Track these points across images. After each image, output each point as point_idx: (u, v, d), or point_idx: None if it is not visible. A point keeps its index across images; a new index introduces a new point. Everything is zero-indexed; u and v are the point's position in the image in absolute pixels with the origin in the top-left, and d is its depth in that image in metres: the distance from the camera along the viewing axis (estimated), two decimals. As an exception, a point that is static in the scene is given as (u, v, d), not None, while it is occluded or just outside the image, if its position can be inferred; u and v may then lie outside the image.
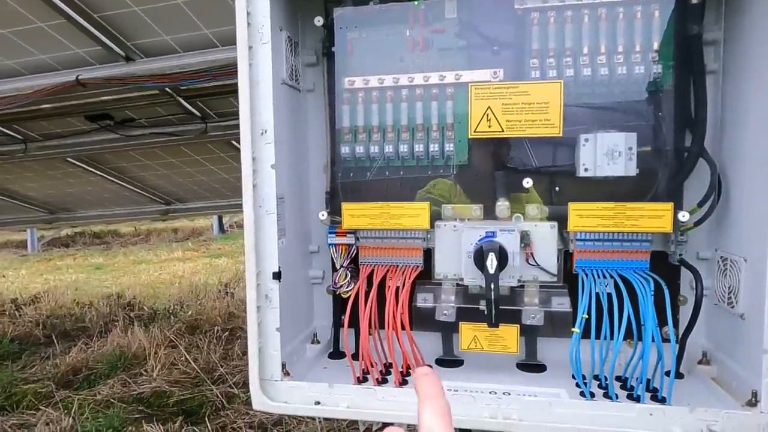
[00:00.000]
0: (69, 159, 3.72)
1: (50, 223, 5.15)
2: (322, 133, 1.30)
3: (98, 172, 4.00)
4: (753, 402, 0.89)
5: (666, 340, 1.06)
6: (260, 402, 0.98)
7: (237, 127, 3.02)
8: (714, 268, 1.12)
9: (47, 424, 2.66)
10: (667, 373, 1.02)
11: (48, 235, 13.48)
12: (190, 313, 4.72)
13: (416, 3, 1.16)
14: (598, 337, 1.02)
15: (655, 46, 1.07)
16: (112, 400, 3.10)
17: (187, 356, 3.46)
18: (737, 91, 1.05)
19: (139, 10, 2.17)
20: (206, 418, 2.71)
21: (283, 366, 1.06)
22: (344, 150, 1.21)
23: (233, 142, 3.35)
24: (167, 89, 2.76)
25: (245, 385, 3.19)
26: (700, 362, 1.13)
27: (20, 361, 3.92)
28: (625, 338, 1.02)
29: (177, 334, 4.03)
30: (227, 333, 3.95)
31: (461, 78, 1.14)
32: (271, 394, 1.00)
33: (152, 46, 2.40)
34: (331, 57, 1.21)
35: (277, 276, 0.98)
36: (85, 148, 3.33)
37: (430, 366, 1.20)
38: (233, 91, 2.83)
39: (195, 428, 2.54)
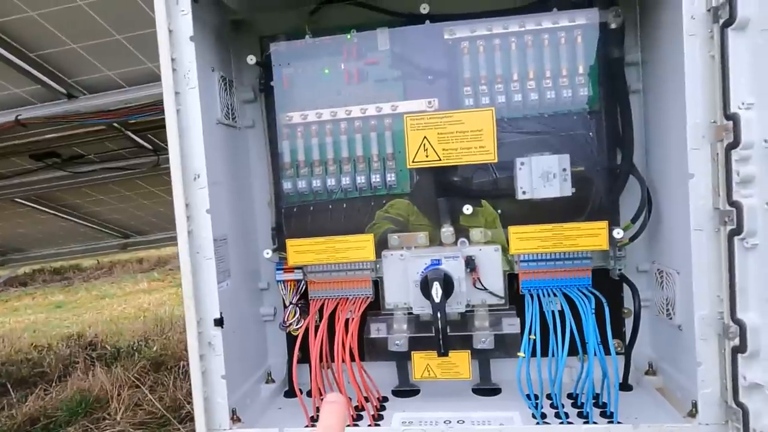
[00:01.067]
0: (16, 199, 3.58)
1: (2, 264, 4.92)
2: (265, 169, 1.29)
3: (49, 210, 3.86)
4: (693, 413, 0.92)
5: (609, 353, 1.08)
6: (209, 454, 0.95)
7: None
8: (652, 281, 1.15)
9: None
10: (619, 386, 1.05)
11: (3, 274, 12.91)
12: (155, 348, 4.57)
13: (348, 36, 1.17)
14: (545, 355, 1.03)
15: (581, 69, 1.11)
16: (73, 450, 2.96)
17: (151, 396, 3.34)
18: (658, 110, 1.10)
19: (78, 47, 2.12)
20: (173, 461, 2.61)
21: (234, 412, 1.03)
22: (287, 185, 1.20)
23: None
24: (115, 124, 2.69)
25: (214, 421, 3.10)
26: (647, 372, 1.16)
27: (-27, 415, 3.70)
28: (574, 354, 1.04)
29: (141, 372, 3.89)
30: (194, 367, 3.84)
31: (397, 109, 1.15)
32: (219, 445, 0.97)
33: (95, 82, 2.34)
34: (269, 93, 1.21)
35: (219, 323, 0.96)
36: (32, 187, 3.21)
37: (386, 398, 1.19)
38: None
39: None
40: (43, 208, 3.81)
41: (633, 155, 1.12)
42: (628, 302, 1.20)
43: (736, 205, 0.78)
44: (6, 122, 2.37)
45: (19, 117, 2.36)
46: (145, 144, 2.94)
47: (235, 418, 1.03)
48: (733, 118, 0.77)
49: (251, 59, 1.17)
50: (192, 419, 3.23)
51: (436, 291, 1.05)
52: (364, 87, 1.18)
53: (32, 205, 3.71)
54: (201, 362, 0.96)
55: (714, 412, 0.86)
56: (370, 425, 1.05)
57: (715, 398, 0.85)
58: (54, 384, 4.07)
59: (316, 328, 1.14)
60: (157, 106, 2.28)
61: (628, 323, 1.20)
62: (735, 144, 0.77)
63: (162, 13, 0.90)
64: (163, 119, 2.50)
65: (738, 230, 0.78)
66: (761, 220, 0.77)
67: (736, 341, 0.79)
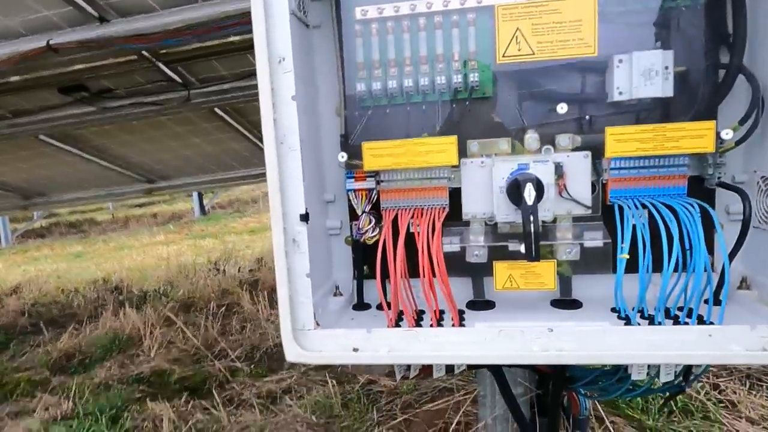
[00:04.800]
0: (42, 137, 3.53)
1: (26, 208, 4.93)
2: (332, 73, 1.21)
3: (74, 150, 3.81)
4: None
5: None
6: (294, 353, 0.92)
7: (222, 92, 2.87)
8: (753, 191, 1.08)
9: (46, 409, 2.57)
10: (706, 301, 1.00)
11: (21, 227, 13.08)
12: (181, 292, 4.62)
13: None
14: (634, 271, 0.98)
15: (689, -44, 1.00)
16: (110, 382, 3.02)
17: (186, 332, 3.38)
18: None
19: (111, -36, 2.01)
20: (213, 392, 2.65)
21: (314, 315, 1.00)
22: (360, 87, 1.13)
23: (217, 110, 3.21)
24: (146, 54, 2.60)
25: (248, 358, 3.15)
26: (739, 287, 1.11)
27: (8, 351, 3.79)
28: (656, 270, 0.98)
29: (171, 312, 3.94)
30: (223, 309, 3.87)
31: (483, 1, 1.06)
32: (306, 344, 0.93)
33: (128, 4, 2.24)
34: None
35: (304, 218, 0.91)
36: (58, 123, 3.15)
37: (462, 311, 1.15)
38: (217, 52, 2.70)
39: (202, 402, 2.48)
40: (69, 148, 3.76)
41: (744, 53, 1.03)
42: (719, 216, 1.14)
43: None
44: (37, 48, 2.28)
45: (51, 42, 2.28)
46: (176, 77, 2.85)
47: (315, 321, 0.99)
48: None
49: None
50: (226, 356, 3.27)
51: (529, 193, 0.99)
52: (445, -22, 1.08)
53: (57, 144, 3.67)
54: (286, 259, 0.91)
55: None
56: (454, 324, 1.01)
57: None
58: (85, 324, 4.15)
59: (394, 240, 1.09)
60: (194, 29, 2.19)
61: (716, 238, 1.14)
62: None
63: None
64: (197, 48, 2.38)
65: None
66: None
67: None
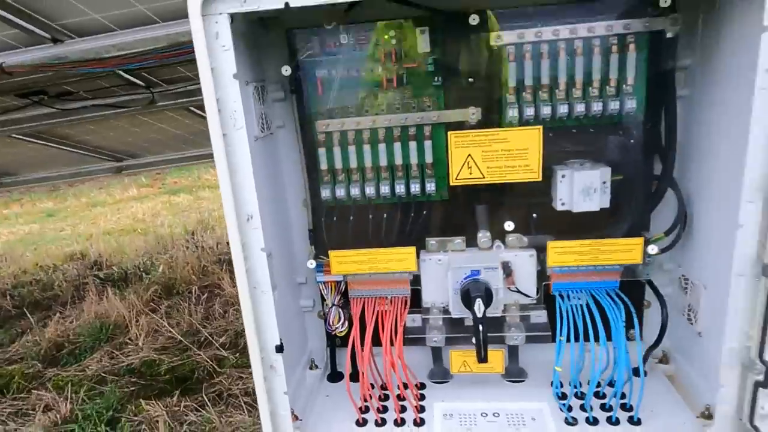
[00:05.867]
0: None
1: (-7, 188, 4.84)
2: (297, 169, 1.27)
3: (39, 142, 3.73)
4: (706, 415, 1.04)
5: (631, 339, 1.20)
6: (277, 456, 1.07)
7: (192, 93, 2.82)
8: (675, 279, 1.23)
9: (45, 412, 2.74)
10: (635, 371, 1.17)
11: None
12: (161, 269, 4.72)
13: (386, 37, 1.10)
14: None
15: (630, 78, 1.08)
16: (102, 374, 3.19)
17: (168, 324, 3.53)
18: (708, 120, 1.08)
19: (60, -9, 1.92)
20: (201, 387, 2.84)
21: (292, 411, 1.14)
22: (325, 193, 1.21)
23: (192, 108, 3.15)
24: (104, 63, 2.52)
25: (232, 346, 3.33)
26: (660, 361, 1.28)
27: (-3, 340, 3.90)
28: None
29: (153, 297, 4.06)
30: (206, 293, 4.01)
31: (439, 119, 1.13)
32: (287, 448, 1.08)
33: (82, 26, 2.15)
34: (300, 93, 1.16)
35: (279, 349, 1.02)
36: (20, 126, 3.07)
37: (423, 384, 1.31)
38: (183, 61, 2.62)
39: (194, 400, 2.67)
40: (32, 140, 3.68)
41: (674, 168, 1.13)
42: (648, 295, 1.29)
43: (781, 263, 0.82)
44: (-10, 71, 2.21)
45: (3, 64, 2.20)
46: (138, 81, 2.78)
47: (294, 416, 1.13)
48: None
49: (286, 70, 1.10)
50: (210, 344, 3.43)
51: (479, 307, 1.11)
52: (402, 92, 1.14)
53: (21, 137, 3.58)
54: (265, 383, 1.03)
55: (728, 426, 0.98)
56: (415, 420, 1.16)
57: (731, 415, 0.97)
58: (69, 307, 4.25)
59: (362, 330, 1.21)
60: (155, 53, 2.14)
61: (647, 313, 1.30)
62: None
63: (203, 51, 0.84)
64: (162, 66, 2.33)
65: (779, 285, 0.83)
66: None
67: (761, 377, 0.89)
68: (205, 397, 2.68)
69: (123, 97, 2.92)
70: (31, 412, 2.85)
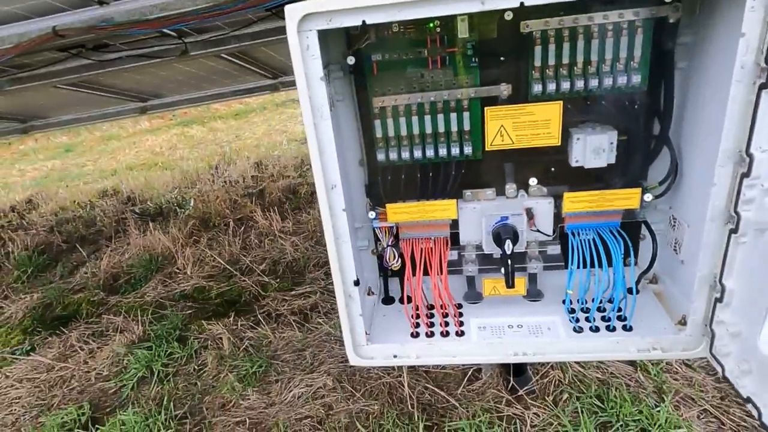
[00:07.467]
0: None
1: (25, 132, 5.06)
2: (354, 134, 1.51)
3: (68, 87, 3.90)
4: (682, 323, 1.37)
5: (628, 265, 1.51)
6: (355, 360, 1.43)
7: (221, 42, 2.99)
8: (666, 218, 1.51)
9: (122, 332, 3.18)
10: (629, 290, 1.49)
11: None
12: (193, 205, 5.05)
13: (431, 26, 1.31)
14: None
15: (636, 58, 1.29)
16: (160, 300, 3.61)
17: (211, 254, 3.91)
18: (697, 90, 1.30)
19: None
20: (253, 308, 3.26)
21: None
22: (380, 156, 1.47)
23: (223, 55, 3.30)
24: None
25: (272, 272, 3.72)
26: (650, 282, 1.60)
27: (55, 272, 4.33)
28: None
29: (193, 230, 4.42)
30: (241, 226, 4.36)
31: (475, 94, 1.36)
32: (362, 354, 1.44)
33: (127, -12, 2.29)
34: (358, 75, 1.39)
35: (356, 283, 1.34)
36: (60, 78, 3.25)
37: (460, 305, 1.65)
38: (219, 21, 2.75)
39: (246, 321, 3.09)
40: (60, 85, 3.84)
41: (670, 130, 1.37)
42: (643, 229, 1.58)
43: (738, 214, 1.10)
44: (44, 35, 2.38)
45: (56, 27, 2.37)
46: (171, 33, 2.92)
47: (366, 334, 1.48)
48: (750, 156, 1.04)
49: (350, 59, 1.32)
50: (252, 271, 3.82)
51: (508, 246, 1.41)
52: (445, 72, 1.36)
53: (62, 86, 3.75)
54: (346, 307, 1.37)
55: (697, 330, 1.31)
56: (457, 332, 1.51)
57: (699, 322, 1.30)
58: (114, 241, 4.64)
59: (412, 265, 1.53)
60: (194, 15, 2.29)
61: (641, 244, 1.60)
62: (747, 174, 1.06)
63: (299, 60, 1.07)
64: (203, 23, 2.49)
65: (735, 230, 1.12)
66: (751, 227, 1.10)
67: (718, 295, 1.20)
68: (258, 316, 3.09)
69: (156, 48, 3.06)
70: (106, 333, 3.30)
